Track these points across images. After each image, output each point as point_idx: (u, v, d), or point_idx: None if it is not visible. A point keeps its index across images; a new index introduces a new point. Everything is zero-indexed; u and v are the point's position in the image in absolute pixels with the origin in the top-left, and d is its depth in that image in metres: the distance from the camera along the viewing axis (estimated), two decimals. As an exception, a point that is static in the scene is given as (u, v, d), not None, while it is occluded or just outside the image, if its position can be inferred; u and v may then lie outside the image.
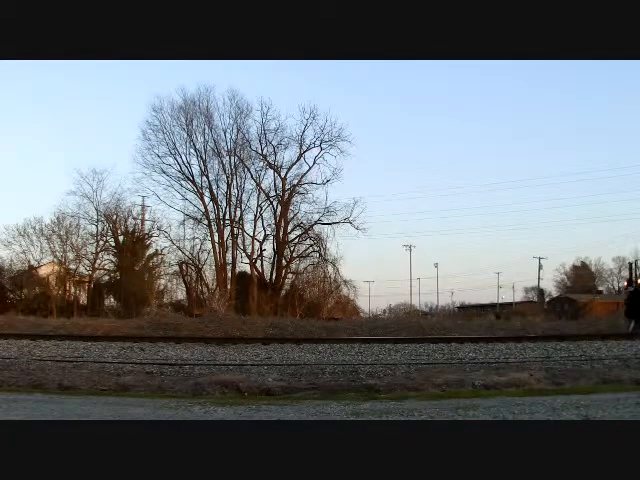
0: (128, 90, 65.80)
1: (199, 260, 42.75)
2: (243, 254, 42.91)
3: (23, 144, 68.47)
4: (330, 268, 42.95)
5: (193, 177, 41.63)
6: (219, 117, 41.92)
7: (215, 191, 41.67)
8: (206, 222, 41.52)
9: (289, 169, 42.71)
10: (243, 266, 43.67)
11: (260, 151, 42.35)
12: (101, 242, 42.96)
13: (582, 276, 72.26)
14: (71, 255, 42.11)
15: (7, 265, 41.86)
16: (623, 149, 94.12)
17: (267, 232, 42.98)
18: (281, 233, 42.36)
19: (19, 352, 14.14)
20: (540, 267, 64.79)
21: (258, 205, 42.50)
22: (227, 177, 41.73)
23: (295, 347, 15.37)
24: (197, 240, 42.27)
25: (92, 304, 40.08)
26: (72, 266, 42.42)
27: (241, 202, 42.05)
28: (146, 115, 48.84)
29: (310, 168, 42.25)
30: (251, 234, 42.84)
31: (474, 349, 14.47)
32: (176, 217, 44.62)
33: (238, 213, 42.34)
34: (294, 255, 43.84)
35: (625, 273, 47.22)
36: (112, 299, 43.86)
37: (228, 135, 41.86)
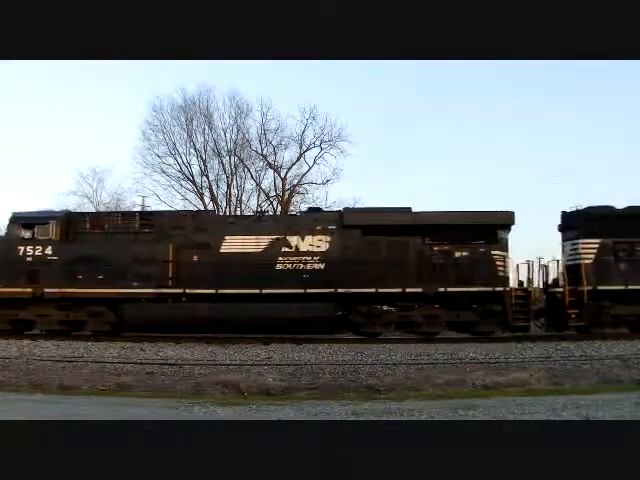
0: (128, 90, 65.63)
1: (199, 260, 42.74)
2: (243, 254, 42.94)
3: (23, 144, 68.51)
4: (330, 268, 42.95)
5: (193, 177, 41.57)
6: (219, 117, 41.76)
7: (215, 191, 41.63)
8: (206, 222, 41.59)
9: (289, 169, 42.63)
10: (243, 266, 43.68)
11: (260, 151, 42.33)
12: (101, 242, 42.99)
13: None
14: (71, 255, 42.12)
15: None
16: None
17: (267, 232, 43.00)
18: (281, 233, 42.39)
19: (19, 352, 14.12)
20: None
21: (258, 205, 42.41)
22: (227, 177, 41.70)
23: (295, 347, 15.36)
24: (197, 240, 42.28)
25: (92, 304, 40.05)
26: (72, 266, 42.43)
27: (241, 202, 42.01)
28: (146, 115, 48.68)
29: (310, 168, 42.15)
30: (251, 234, 42.88)
31: (474, 349, 14.47)
32: (176, 217, 44.57)
33: (238, 213, 42.33)
34: (294, 255, 43.85)
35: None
36: (112, 299, 43.83)
37: (228, 135, 41.78)
